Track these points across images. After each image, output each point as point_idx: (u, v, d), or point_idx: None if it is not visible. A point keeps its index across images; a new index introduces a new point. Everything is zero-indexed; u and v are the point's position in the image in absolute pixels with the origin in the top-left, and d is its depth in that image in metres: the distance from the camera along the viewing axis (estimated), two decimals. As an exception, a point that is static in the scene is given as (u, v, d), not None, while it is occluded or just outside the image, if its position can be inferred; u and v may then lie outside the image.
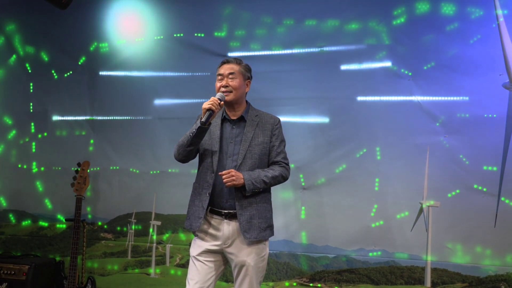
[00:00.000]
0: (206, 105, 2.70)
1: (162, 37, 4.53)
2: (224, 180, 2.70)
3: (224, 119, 2.90)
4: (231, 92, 2.82)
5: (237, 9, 4.33)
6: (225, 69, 2.85)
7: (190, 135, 2.76)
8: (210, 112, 2.69)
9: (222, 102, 2.77)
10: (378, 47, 3.99)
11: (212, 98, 2.73)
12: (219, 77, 2.86)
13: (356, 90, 4.01)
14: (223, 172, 2.71)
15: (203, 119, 2.69)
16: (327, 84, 4.08)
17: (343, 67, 4.05)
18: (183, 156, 2.86)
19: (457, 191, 3.76)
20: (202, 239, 2.81)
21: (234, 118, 2.88)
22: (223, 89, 2.82)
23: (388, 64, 3.96)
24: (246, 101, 2.95)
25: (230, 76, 2.83)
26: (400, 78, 3.93)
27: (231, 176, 2.69)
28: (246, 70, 2.90)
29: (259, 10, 4.27)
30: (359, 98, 4.01)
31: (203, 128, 2.72)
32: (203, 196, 2.80)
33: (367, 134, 3.98)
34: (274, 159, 2.87)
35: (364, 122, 3.99)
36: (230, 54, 4.22)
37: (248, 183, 2.71)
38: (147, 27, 4.55)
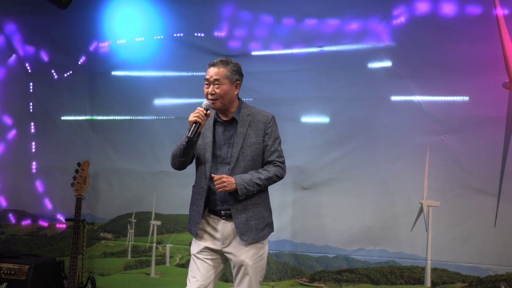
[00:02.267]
0: (192, 118, 2.65)
1: (162, 37, 4.53)
2: (216, 187, 2.68)
3: (216, 121, 2.86)
4: (217, 100, 2.74)
5: (237, 9, 4.33)
6: (211, 74, 2.74)
7: (181, 147, 2.74)
8: (197, 124, 2.65)
9: (209, 112, 2.72)
10: (378, 47, 3.98)
11: (197, 110, 2.67)
12: (206, 82, 2.77)
13: (356, 90, 4.01)
14: (215, 177, 2.68)
15: (189, 135, 2.64)
16: (327, 84, 4.08)
17: (343, 67, 4.05)
18: (178, 166, 2.87)
19: (457, 191, 3.76)
20: (202, 237, 2.83)
21: (226, 119, 2.83)
22: (210, 96, 2.75)
23: (388, 64, 3.96)
24: (239, 99, 2.87)
25: (216, 83, 2.73)
26: (400, 78, 3.93)
27: (222, 182, 2.66)
28: (234, 72, 2.77)
29: (259, 10, 4.26)
30: (360, 98, 4.01)
31: (192, 141, 2.70)
32: (199, 201, 2.81)
33: (367, 134, 3.98)
34: (268, 159, 2.82)
35: (364, 122, 3.99)
36: (230, 54, 4.21)
37: (240, 187, 2.69)
38: (147, 27, 4.55)
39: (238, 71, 2.82)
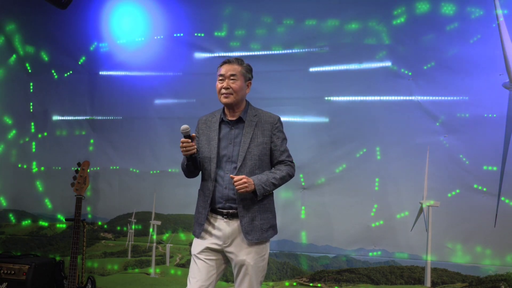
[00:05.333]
0: (184, 153, 2.74)
1: (162, 37, 4.53)
2: (237, 187, 2.68)
3: (222, 121, 2.89)
4: (231, 94, 2.80)
5: (237, 9, 4.33)
6: (226, 70, 2.82)
7: (185, 166, 2.85)
8: (193, 154, 2.75)
9: (194, 134, 2.79)
10: (378, 47, 3.99)
11: (182, 144, 2.69)
12: (220, 78, 2.83)
13: (356, 90, 4.01)
14: (235, 178, 2.68)
15: (188, 162, 2.78)
16: (327, 84, 4.08)
17: (343, 67, 4.05)
18: (189, 175, 2.96)
19: (457, 191, 3.77)
20: (203, 237, 2.83)
21: (233, 119, 2.87)
22: (223, 90, 2.80)
23: (388, 64, 3.96)
24: (246, 101, 2.93)
25: (232, 77, 2.80)
26: (400, 78, 3.93)
27: (244, 183, 2.67)
28: (247, 71, 2.87)
29: (259, 10, 4.26)
30: (359, 98, 4.01)
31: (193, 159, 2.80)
32: (205, 203, 2.83)
33: (367, 134, 3.98)
34: (278, 159, 2.88)
35: (364, 122, 3.99)
36: (230, 54, 4.22)
37: (258, 187, 2.71)
38: (147, 27, 4.55)
39: (251, 71, 2.92)
